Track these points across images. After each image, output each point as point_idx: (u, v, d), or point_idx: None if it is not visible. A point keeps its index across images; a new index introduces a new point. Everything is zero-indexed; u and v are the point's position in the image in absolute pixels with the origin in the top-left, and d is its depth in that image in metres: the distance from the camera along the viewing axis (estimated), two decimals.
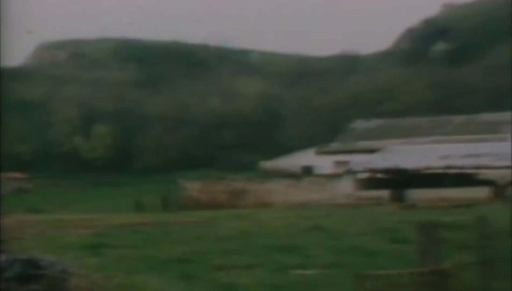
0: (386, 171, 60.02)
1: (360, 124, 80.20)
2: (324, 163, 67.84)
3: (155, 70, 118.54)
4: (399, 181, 57.71)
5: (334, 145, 75.08)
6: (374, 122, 79.45)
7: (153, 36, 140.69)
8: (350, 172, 61.63)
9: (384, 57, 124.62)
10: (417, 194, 54.36)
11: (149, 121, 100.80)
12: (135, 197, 56.18)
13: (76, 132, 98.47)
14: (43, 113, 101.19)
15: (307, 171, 68.27)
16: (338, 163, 65.65)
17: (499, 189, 54.09)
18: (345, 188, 59.32)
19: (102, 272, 13.69)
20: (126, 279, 13.72)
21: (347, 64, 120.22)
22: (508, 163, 52.44)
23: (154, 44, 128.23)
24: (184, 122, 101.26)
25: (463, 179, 56.84)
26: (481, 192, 53.72)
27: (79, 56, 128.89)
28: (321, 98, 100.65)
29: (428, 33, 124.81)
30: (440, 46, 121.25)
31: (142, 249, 19.59)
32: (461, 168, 58.97)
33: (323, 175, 63.26)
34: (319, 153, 72.85)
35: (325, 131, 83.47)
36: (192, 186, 62.34)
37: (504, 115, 66.52)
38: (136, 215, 38.56)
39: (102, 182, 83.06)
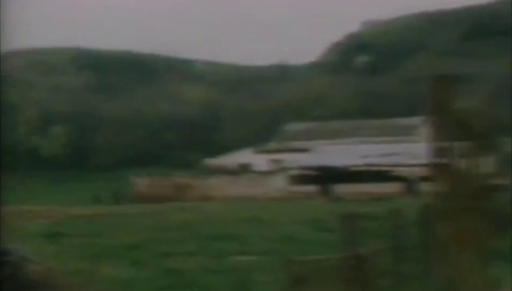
0: (315, 168, 60.43)
1: (292, 127, 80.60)
2: (260, 161, 67.97)
3: (109, 77, 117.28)
4: (326, 177, 58.15)
5: (270, 145, 75.30)
6: (305, 125, 79.92)
7: (107, 46, 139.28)
8: (283, 169, 61.91)
9: (313, 67, 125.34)
10: (342, 189, 54.84)
11: (103, 123, 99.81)
12: (91, 192, 55.51)
13: (35, 133, 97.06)
14: (4, 115, 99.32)
15: (245, 168, 68.27)
16: (272, 161, 65.85)
17: (410, 184, 54.87)
18: (279, 183, 59.54)
19: (58, 259, 13.49)
20: (81, 265, 13.53)
21: (280, 73, 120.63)
22: (418, 161, 53.30)
23: (108, 54, 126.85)
24: (135, 124, 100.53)
25: (380, 175, 57.55)
26: (396, 187, 54.45)
27: (39, 64, 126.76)
28: (257, 104, 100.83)
29: (351, 47, 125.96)
30: (362, 59, 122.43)
31: (96, 238, 19.34)
32: (379, 165, 59.72)
33: (259, 172, 63.37)
34: (256, 152, 72.98)
35: (261, 133, 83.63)
36: (142, 182, 61.92)
37: (417, 120, 67.45)
38: (90, 207, 38.06)
39: (61, 178, 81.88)
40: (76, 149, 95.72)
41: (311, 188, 56.83)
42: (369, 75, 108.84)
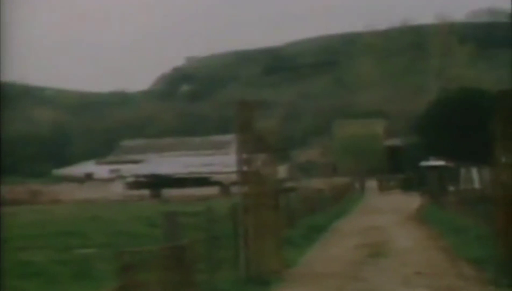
0: (147, 176, 59.80)
1: (128, 142, 79.32)
2: (101, 171, 66.34)
3: None
4: (156, 183, 57.74)
5: (109, 158, 73.67)
6: (139, 141, 78.93)
7: None
8: (121, 177, 60.78)
9: (145, 94, 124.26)
10: (169, 192, 54.59)
11: None
12: None
13: None
14: None
15: (89, 176, 66.38)
16: (112, 171, 64.50)
17: (225, 187, 55.69)
18: (117, 188, 58.31)
19: None
20: None
21: (119, 98, 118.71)
22: (230, 169, 54.26)
23: None
24: None
25: (201, 181, 57.95)
26: (213, 190, 55.00)
27: None
28: (99, 123, 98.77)
29: (176, 78, 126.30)
30: (185, 88, 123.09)
31: None
32: (200, 173, 60.15)
33: (100, 179, 61.84)
34: (98, 163, 71.23)
35: (102, 147, 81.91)
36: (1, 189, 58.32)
37: (228, 137, 68.64)
38: None
39: None
40: None
41: (144, 192, 56.19)
42: (191, 101, 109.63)
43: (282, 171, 58.85)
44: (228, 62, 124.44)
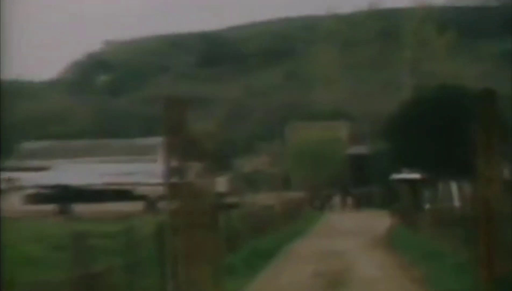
0: (53, 187, 58.85)
1: (28, 145, 77.84)
2: None
3: None
4: (65, 196, 56.88)
5: (4, 164, 72.08)
6: (42, 144, 77.56)
7: None
8: (19, 188, 59.59)
9: (52, 85, 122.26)
10: (81, 208, 53.86)
11: None
12: None
13: None
14: None
15: None
16: (7, 180, 63.07)
17: (150, 202, 55.36)
18: (13, 202, 57.14)
19: None
20: None
21: (18, 88, 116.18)
22: (157, 180, 53.93)
23: None
24: None
25: (120, 194, 57.41)
26: (136, 206, 54.58)
27: None
28: None
29: (91, 66, 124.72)
30: (102, 78, 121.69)
31: None
32: (119, 184, 59.57)
33: None
34: None
35: None
36: None
37: (155, 140, 68.20)
38: None
39: None
40: None
41: (48, 207, 55.21)
42: (110, 95, 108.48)
43: (222, 183, 58.90)
44: (156, 49, 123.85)
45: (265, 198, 46.33)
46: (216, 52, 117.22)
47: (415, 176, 40.81)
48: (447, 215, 23.89)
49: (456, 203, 27.65)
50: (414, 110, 48.51)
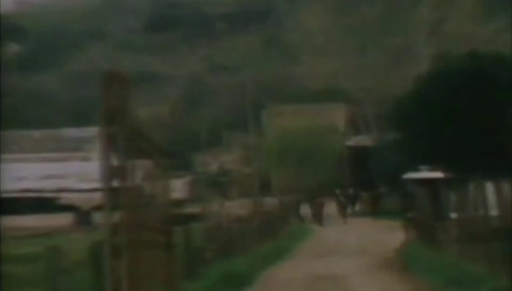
0: None
1: None
2: None
3: None
4: None
5: None
6: None
7: None
8: None
9: None
10: None
11: None
12: None
13: None
14: None
15: None
16: None
17: (82, 214, 55.09)
18: None
19: None
20: None
21: None
22: (91, 185, 53.59)
23: None
24: None
25: (43, 204, 57.10)
26: (64, 219, 54.36)
27: None
28: None
29: None
30: (13, 49, 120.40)
31: None
32: (41, 191, 59.23)
33: None
34: None
35: None
36: None
37: (88, 131, 67.81)
38: None
39: None
40: None
41: None
42: (23, 70, 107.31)
43: (179, 187, 58.77)
44: (88, 10, 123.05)
45: (236, 207, 46.32)
46: (169, 14, 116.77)
47: (437, 174, 40.95)
48: (480, 227, 23.93)
49: (493, 210, 27.71)
50: (434, 88, 48.56)
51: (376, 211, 58.04)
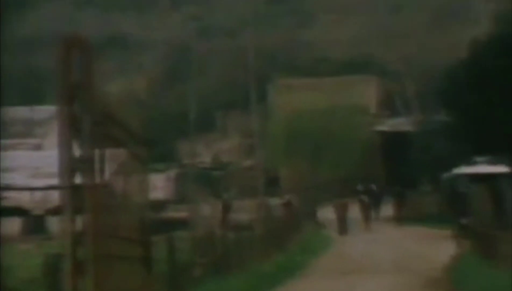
0: None
1: None
2: None
3: None
4: None
5: None
6: None
7: None
8: None
9: None
10: None
11: None
12: None
13: None
14: None
15: None
16: None
17: (34, 219, 55.21)
18: None
19: None
20: None
21: None
22: (47, 182, 53.73)
23: None
24: None
25: None
26: (9, 225, 54.43)
27: None
28: None
29: None
30: None
31: None
32: None
33: None
34: None
35: None
36: None
37: (42, 111, 67.86)
38: None
39: None
40: None
41: None
42: None
43: (160, 184, 58.77)
44: None
45: (234, 210, 46.48)
46: None
47: (499, 169, 40.98)
48: None
49: None
50: (495, 55, 48.43)
51: (414, 215, 57.92)
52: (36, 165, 57.56)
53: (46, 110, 66.77)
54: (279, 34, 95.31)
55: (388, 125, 75.95)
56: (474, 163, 43.26)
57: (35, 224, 55.05)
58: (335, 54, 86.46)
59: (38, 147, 62.91)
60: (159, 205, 45.70)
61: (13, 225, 54.58)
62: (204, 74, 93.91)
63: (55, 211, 48.85)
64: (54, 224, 48.87)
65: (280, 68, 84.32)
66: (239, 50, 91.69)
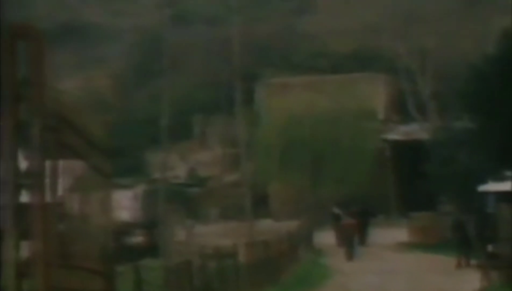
0: None
1: None
2: None
3: None
4: None
5: None
6: None
7: None
8: None
9: None
10: None
11: None
12: None
13: None
14: None
15: None
16: None
17: None
18: None
19: None
20: None
21: None
22: None
23: None
24: None
25: None
26: None
27: None
28: None
29: None
30: None
31: None
32: None
33: None
34: None
35: None
36: None
37: None
38: None
39: None
40: None
41: None
42: None
43: (126, 203, 58.69)
44: None
45: (215, 234, 46.66)
46: None
47: None
48: None
49: None
50: None
51: (432, 241, 58.02)
52: None
53: None
54: (270, 22, 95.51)
55: (399, 132, 76.02)
56: (504, 179, 43.36)
57: None
58: (337, 47, 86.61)
59: None
60: (125, 228, 45.68)
61: None
62: (179, 70, 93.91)
63: None
64: None
65: (272, 64, 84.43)
66: (222, 42, 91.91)
